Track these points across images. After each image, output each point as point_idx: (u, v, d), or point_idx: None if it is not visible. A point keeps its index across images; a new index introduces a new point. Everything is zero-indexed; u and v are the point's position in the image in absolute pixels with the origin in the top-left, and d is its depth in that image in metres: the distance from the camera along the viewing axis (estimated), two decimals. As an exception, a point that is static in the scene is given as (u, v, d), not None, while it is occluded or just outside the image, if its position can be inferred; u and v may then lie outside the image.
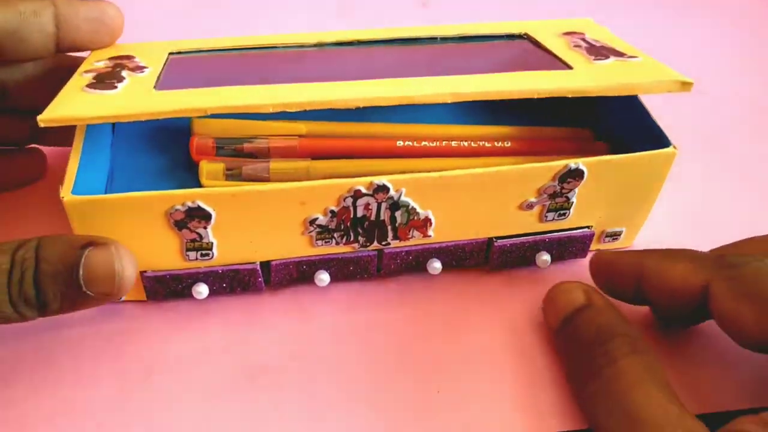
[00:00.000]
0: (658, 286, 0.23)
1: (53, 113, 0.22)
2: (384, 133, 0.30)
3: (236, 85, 0.24)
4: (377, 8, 0.47)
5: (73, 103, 0.23)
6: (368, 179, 0.24)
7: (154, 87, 0.24)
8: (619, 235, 0.29)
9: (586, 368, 0.22)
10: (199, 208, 0.23)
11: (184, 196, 0.23)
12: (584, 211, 0.27)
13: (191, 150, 0.29)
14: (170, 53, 0.28)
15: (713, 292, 0.21)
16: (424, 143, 0.29)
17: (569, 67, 0.26)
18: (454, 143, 0.29)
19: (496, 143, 0.30)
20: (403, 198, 0.25)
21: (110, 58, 0.27)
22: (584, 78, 0.25)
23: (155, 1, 0.31)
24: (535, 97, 0.24)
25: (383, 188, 0.24)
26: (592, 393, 0.21)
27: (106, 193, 0.27)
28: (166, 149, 0.30)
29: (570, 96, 0.25)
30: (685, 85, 0.25)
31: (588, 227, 0.28)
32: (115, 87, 0.24)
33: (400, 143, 0.29)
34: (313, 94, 0.23)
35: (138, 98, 0.23)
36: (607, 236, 0.29)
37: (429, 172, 0.24)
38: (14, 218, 0.31)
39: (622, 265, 0.24)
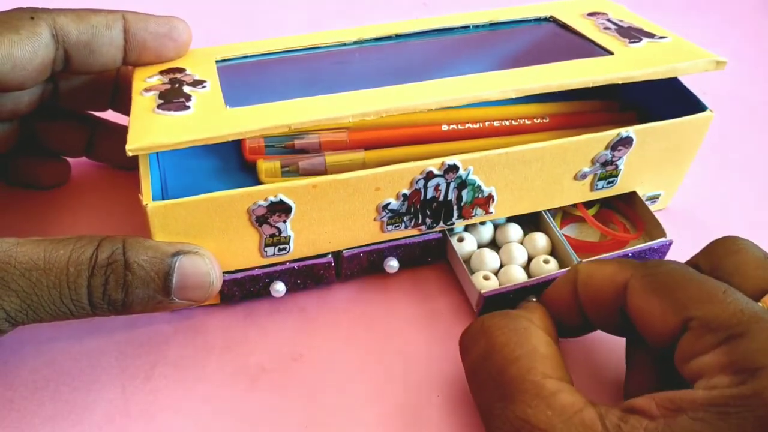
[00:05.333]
0: (589, 287, 0.23)
1: (140, 142, 0.22)
2: (428, 119, 0.30)
3: (302, 92, 0.25)
4: (378, 8, 0.48)
5: (156, 129, 0.23)
6: (439, 160, 0.25)
7: (225, 104, 0.24)
8: (658, 198, 0.31)
9: (472, 338, 0.22)
10: (281, 201, 0.24)
11: (267, 192, 0.23)
12: (630, 178, 0.29)
13: (243, 151, 0.29)
14: (216, 61, 0.28)
15: (630, 286, 0.21)
16: (467, 125, 0.30)
17: (610, 53, 0.28)
18: (496, 123, 0.30)
19: (535, 120, 0.31)
20: (470, 177, 0.26)
21: (161, 72, 0.26)
22: (628, 64, 0.26)
23: (152, 4, 0.31)
24: (591, 86, 0.26)
25: (453, 168, 0.25)
26: (471, 360, 0.22)
27: (163, 196, 0.27)
28: (212, 150, 0.30)
29: (620, 83, 0.26)
30: (720, 64, 0.27)
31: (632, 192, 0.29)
32: (187, 107, 0.24)
33: (444, 127, 0.30)
34: (386, 100, 0.24)
35: (217, 119, 0.23)
36: (647, 200, 0.30)
37: (480, 151, 0.25)
38: (43, 214, 0.31)
39: (560, 283, 0.24)
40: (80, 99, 0.30)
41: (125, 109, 0.31)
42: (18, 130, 0.29)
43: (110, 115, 0.32)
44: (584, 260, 0.25)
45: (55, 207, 0.32)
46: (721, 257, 0.22)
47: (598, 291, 0.22)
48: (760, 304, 0.19)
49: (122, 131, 0.32)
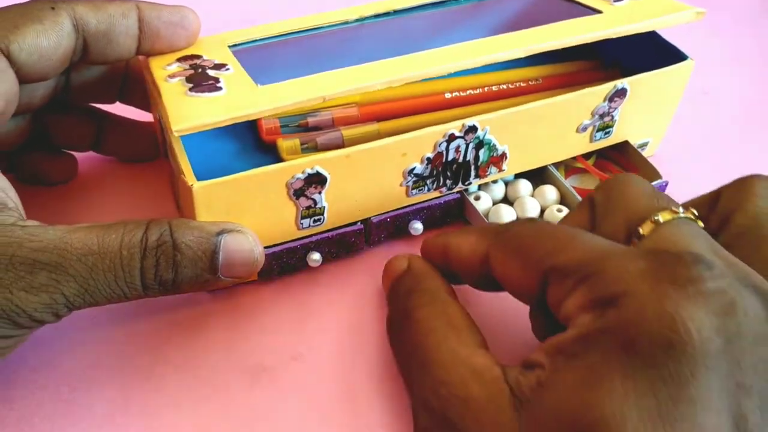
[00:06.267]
0: (456, 260, 0.23)
1: (185, 123, 0.22)
2: (431, 89, 0.32)
3: (316, 69, 0.25)
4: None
5: (196, 110, 0.23)
6: (460, 122, 0.26)
7: (256, 83, 0.25)
8: (646, 145, 0.33)
9: (395, 324, 0.24)
10: (317, 173, 0.25)
11: (304, 164, 0.24)
12: (623, 127, 0.31)
13: (260, 132, 0.30)
14: (229, 46, 0.28)
15: (491, 255, 0.22)
16: (469, 92, 0.32)
17: (599, 12, 0.30)
18: (495, 88, 0.32)
19: (529, 82, 0.33)
20: (487, 136, 0.27)
21: (178, 60, 0.27)
22: (618, 20, 0.29)
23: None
24: (593, 41, 0.28)
25: (473, 128, 0.27)
26: (395, 344, 0.23)
27: None
28: (227, 134, 0.30)
29: (615, 37, 0.28)
30: (699, 15, 0.30)
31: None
32: (219, 88, 0.24)
33: (448, 95, 0.32)
34: (409, 67, 0.25)
35: (252, 96, 0.24)
36: (638, 147, 0.33)
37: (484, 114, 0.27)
38: (54, 210, 0.31)
39: (433, 247, 0.25)
40: (91, 91, 0.30)
41: (135, 101, 0.31)
42: (30, 125, 0.29)
43: (113, 108, 0.32)
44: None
45: (65, 202, 0.32)
46: (611, 189, 0.22)
47: (466, 262, 0.23)
48: (640, 230, 0.20)
49: (129, 124, 0.32)
